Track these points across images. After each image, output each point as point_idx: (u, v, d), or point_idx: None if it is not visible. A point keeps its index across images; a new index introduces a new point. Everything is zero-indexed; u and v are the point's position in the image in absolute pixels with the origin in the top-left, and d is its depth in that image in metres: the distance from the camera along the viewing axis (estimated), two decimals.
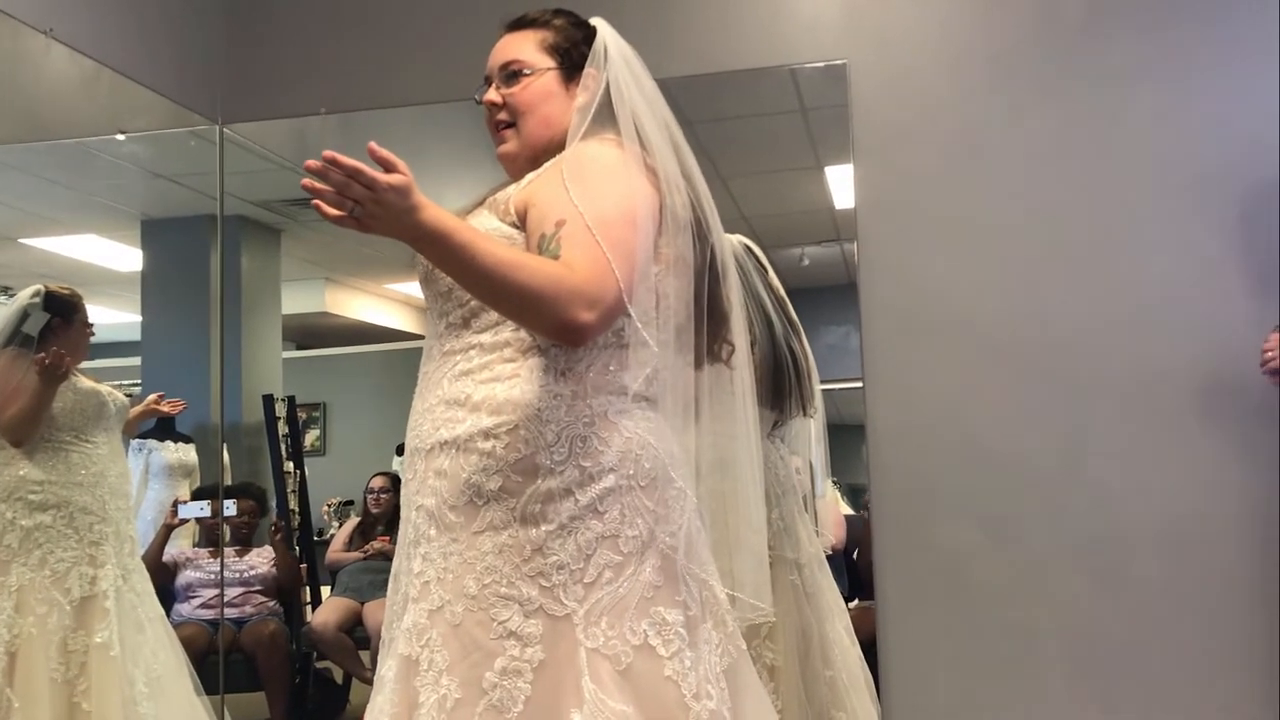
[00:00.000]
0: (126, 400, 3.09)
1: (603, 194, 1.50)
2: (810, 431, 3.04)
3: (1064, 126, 2.85)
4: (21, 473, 2.77)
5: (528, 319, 1.46)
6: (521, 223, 1.55)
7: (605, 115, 1.60)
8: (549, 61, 1.68)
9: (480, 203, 1.64)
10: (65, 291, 2.96)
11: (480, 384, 1.51)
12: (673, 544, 1.50)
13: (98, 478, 2.88)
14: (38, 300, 2.91)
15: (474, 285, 1.43)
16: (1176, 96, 2.79)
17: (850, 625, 2.93)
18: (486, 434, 1.49)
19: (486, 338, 1.54)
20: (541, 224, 1.49)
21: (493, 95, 1.70)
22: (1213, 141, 2.75)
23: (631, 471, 1.49)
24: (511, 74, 1.69)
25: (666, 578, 1.48)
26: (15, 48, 2.70)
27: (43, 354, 2.79)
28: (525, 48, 1.69)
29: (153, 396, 3.28)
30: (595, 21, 1.71)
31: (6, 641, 2.64)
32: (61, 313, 2.91)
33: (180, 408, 3.33)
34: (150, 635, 2.95)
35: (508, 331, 1.52)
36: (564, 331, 1.43)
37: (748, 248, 2.84)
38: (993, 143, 2.89)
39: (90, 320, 3.00)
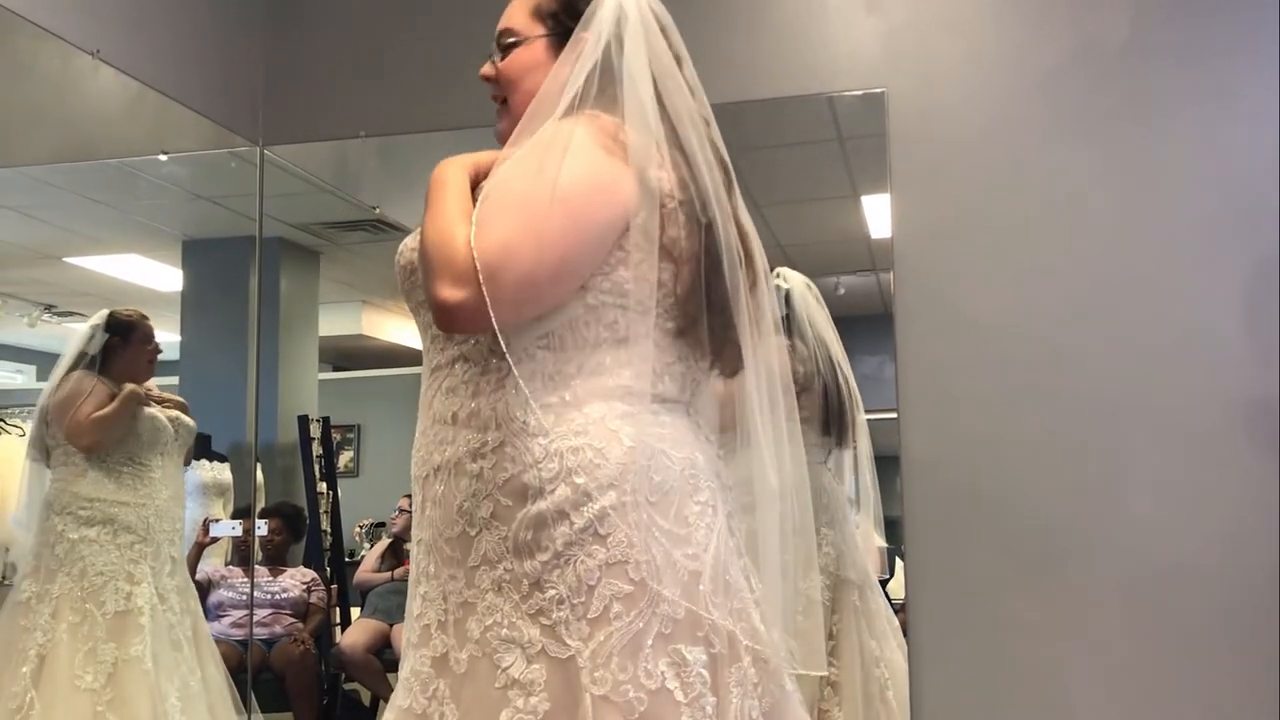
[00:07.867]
0: (193, 425, 3.23)
1: (538, 168, 1.27)
2: (859, 462, 3.10)
3: (1104, 157, 2.81)
4: (76, 489, 2.94)
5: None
6: None
7: (603, 85, 1.37)
8: (539, 29, 1.48)
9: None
10: (127, 314, 3.14)
11: (467, 399, 1.33)
12: (695, 569, 1.27)
13: (146, 499, 3.04)
14: (100, 322, 3.11)
15: None
16: (1218, 126, 2.75)
17: (904, 645, 2.91)
18: (474, 454, 1.30)
19: (468, 347, 1.35)
20: None
21: (487, 69, 1.53)
22: (1256, 171, 2.71)
23: (636, 486, 1.25)
24: (505, 44, 1.50)
25: (688, 609, 1.25)
26: (63, 68, 2.74)
27: (131, 386, 3.00)
28: (518, 14, 1.51)
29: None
30: None
31: (40, 645, 2.79)
32: (120, 333, 3.09)
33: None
34: (188, 653, 3.06)
35: (488, 338, 1.29)
36: (431, 307, 1.25)
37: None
38: (1032, 174, 2.86)
39: (154, 340, 3.15)
